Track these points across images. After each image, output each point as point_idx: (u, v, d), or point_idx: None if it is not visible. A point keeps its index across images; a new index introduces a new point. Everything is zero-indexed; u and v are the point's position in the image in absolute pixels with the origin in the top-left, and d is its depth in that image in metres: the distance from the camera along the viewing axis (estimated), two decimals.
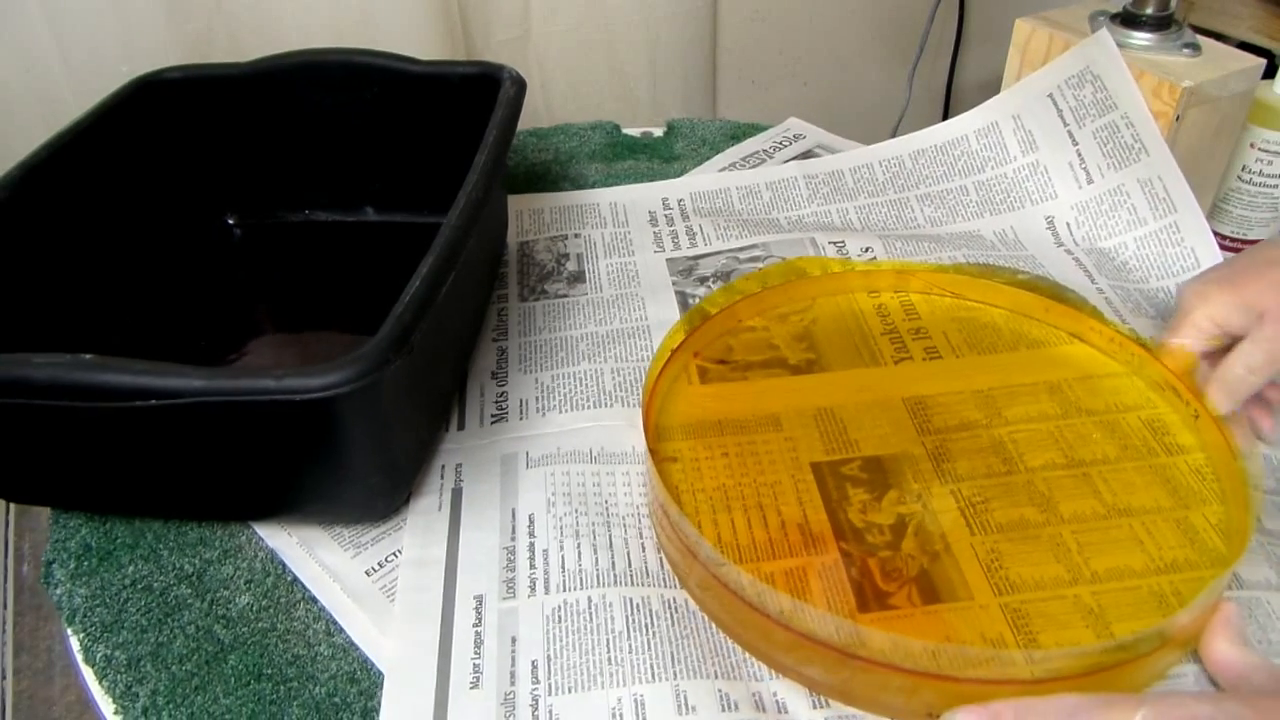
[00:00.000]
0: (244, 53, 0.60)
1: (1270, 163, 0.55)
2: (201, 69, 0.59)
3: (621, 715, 0.37)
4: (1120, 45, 0.62)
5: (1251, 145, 0.55)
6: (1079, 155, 0.63)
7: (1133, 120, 0.60)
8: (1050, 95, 0.64)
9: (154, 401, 0.36)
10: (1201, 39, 0.61)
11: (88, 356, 0.37)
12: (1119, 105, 0.61)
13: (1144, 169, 0.60)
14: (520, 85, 0.56)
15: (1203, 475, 0.45)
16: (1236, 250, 0.58)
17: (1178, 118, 0.59)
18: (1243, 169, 0.56)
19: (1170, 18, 0.61)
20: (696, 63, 0.90)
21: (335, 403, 0.36)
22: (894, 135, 0.70)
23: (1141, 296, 0.56)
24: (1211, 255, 0.56)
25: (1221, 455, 0.45)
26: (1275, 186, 0.56)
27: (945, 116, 0.73)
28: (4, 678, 0.42)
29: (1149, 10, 0.61)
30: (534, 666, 0.39)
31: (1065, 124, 0.63)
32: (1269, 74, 0.61)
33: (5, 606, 0.45)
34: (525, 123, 0.64)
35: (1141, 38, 0.61)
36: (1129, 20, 0.62)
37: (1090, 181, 0.62)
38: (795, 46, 1.00)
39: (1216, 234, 0.57)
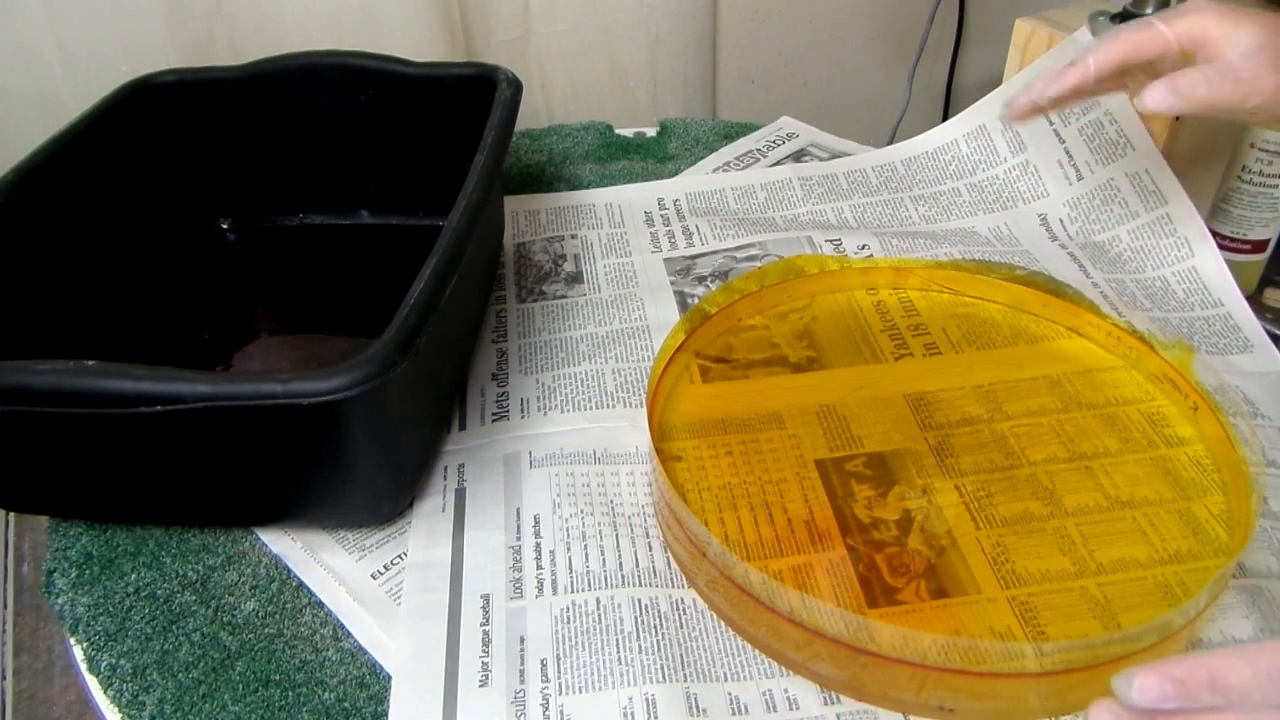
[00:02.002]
0: (244, 53, 0.60)
1: (1270, 163, 0.55)
2: (195, 72, 0.58)
3: (633, 715, 0.37)
4: None
5: (1251, 145, 0.56)
6: (1067, 153, 0.63)
7: (1116, 116, 0.61)
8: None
9: (159, 407, 0.36)
10: None
11: (90, 363, 0.36)
12: (1101, 102, 0.62)
13: (1130, 163, 0.60)
14: (516, 87, 0.56)
15: (1203, 466, 0.46)
16: (1237, 250, 0.59)
17: (1177, 118, 0.59)
18: (1243, 169, 0.56)
19: None
20: (696, 63, 0.90)
21: (341, 406, 0.36)
22: (894, 135, 0.71)
23: (1137, 288, 0.57)
24: (1204, 243, 0.57)
25: (1221, 446, 0.46)
26: (1275, 186, 0.56)
27: (945, 117, 0.74)
28: (4, 678, 0.42)
29: (1149, 10, 0.61)
30: (543, 665, 0.39)
31: (1050, 123, 0.64)
32: None
33: (5, 606, 0.44)
34: (525, 123, 0.64)
35: None
36: (1128, 20, 0.62)
37: (1080, 178, 0.63)
38: (795, 46, 1.01)
39: (1216, 234, 0.58)
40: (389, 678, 0.39)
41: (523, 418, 0.50)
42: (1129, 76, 0.47)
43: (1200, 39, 0.43)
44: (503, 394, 0.52)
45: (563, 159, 0.74)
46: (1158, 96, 0.42)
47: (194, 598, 0.43)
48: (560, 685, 0.38)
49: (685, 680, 0.38)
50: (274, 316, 0.59)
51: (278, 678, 0.39)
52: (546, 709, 0.37)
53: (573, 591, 0.41)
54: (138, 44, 0.67)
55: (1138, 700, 0.29)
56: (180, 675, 0.39)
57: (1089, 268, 0.59)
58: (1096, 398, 0.49)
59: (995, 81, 0.68)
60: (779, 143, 0.74)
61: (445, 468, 0.48)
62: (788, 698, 0.38)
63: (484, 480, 0.47)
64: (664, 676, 0.38)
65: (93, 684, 0.40)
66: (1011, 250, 0.60)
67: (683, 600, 0.41)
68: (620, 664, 0.38)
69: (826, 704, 0.37)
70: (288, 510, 0.44)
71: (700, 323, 0.53)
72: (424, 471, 0.47)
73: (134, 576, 0.43)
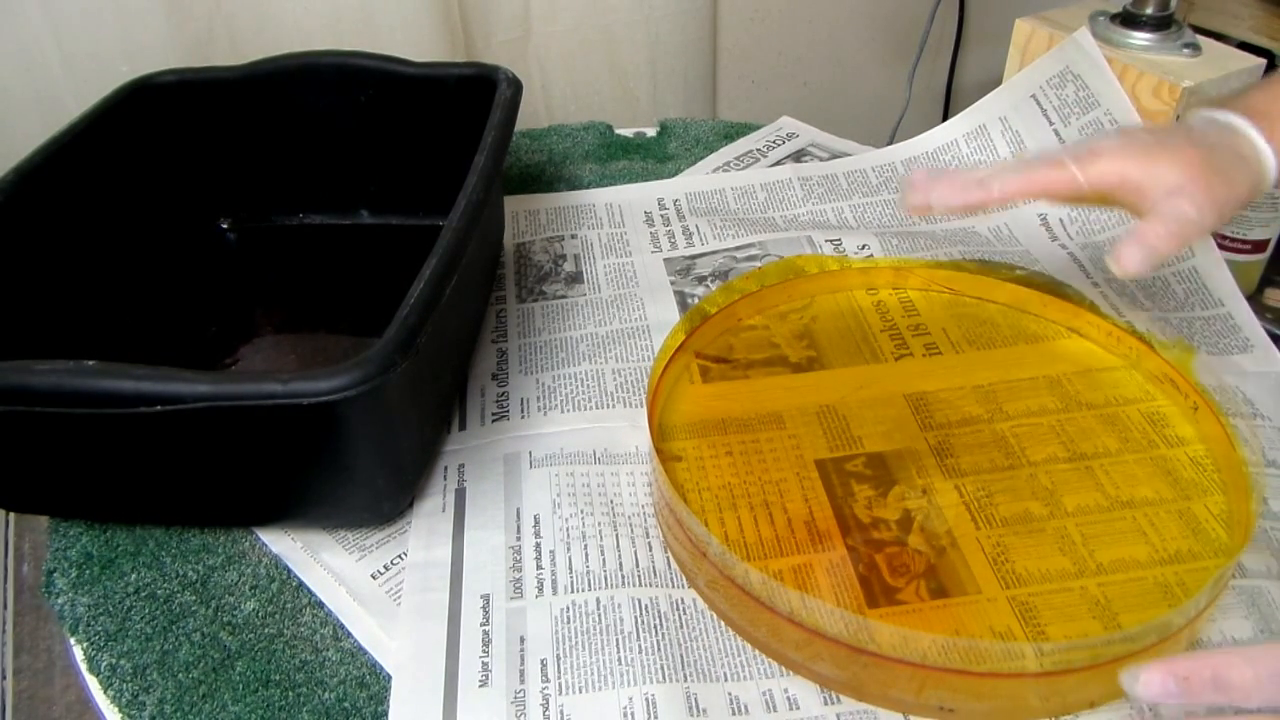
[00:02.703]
0: (244, 53, 0.60)
1: None
2: (195, 72, 0.58)
3: (633, 715, 0.37)
4: (1120, 45, 0.62)
5: None
6: None
7: (1116, 116, 0.61)
8: (1033, 96, 0.65)
9: (159, 407, 0.36)
10: (1201, 39, 0.62)
11: (90, 363, 0.36)
12: (1101, 102, 0.61)
13: None
14: (516, 87, 0.56)
15: (1202, 466, 0.46)
16: (1237, 250, 0.59)
17: (1177, 117, 0.59)
18: None
19: (1170, 18, 0.61)
20: (696, 63, 0.90)
21: (342, 406, 0.36)
22: (894, 135, 0.71)
23: (1137, 288, 0.57)
24: (1204, 243, 0.57)
25: (1221, 446, 0.46)
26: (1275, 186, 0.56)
27: (945, 117, 0.74)
28: (4, 678, 0.42)
29: (1149, 10, 0.61)
30: (543, 665, 0.39)
31: (1051, 123, 0.64)
32: (1269, 74, 0.61)
33: (5, 606, 0.44)
34: (525, 123, 0.64)
35: (1141, 38, 0.62)
36: (1129, 20, 0.62)
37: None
38: (795, 46, 1.01)
39: (1216, 234, 0.58)
40: (389, 678, 0.39)
41: (523, 418, 0.50)
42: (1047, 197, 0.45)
43: (1119, 183, 0.41)
44: (503, 394, 0.52)
45: (563, 159, 0.74)
46: (1135, 261, 0.39)
47: (194, 598, 0.43)
48: (560, 685, 0.38)
49: (685, 680, 0.38)
50: (275, 316, 0.59)
51: (278, 678, 0.39)
52: (546, 709, 0.37)
53: (573, 591, 0.41)
54: (138, 44, 0.67)
55: (1142, 694, 0.30)
56: (180, 675, 0.39)
57: (1089, 268, 0.59)
58: (1096, 398, 0.49)
59: (995, 82, 0.68)
60: (779, 143, 0.74)
61: (445, 468, 0.48)
62: (788, 698, 0.38)
63: (484, 480, 0.47)
64: (664, 676, 0.38)
65: (93, 684, 0.40)
66: (1011, 250, 0.60)
67: (683, 600, 0.41)
68: (620, 664, 0.38)
69: (826, 704, 0.37)
70: (288, 510, 0.44)
71: (700, 323, 0.53)
72: (424, 471, 0.47)
73: (134, 576, 0.43)
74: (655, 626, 0.40)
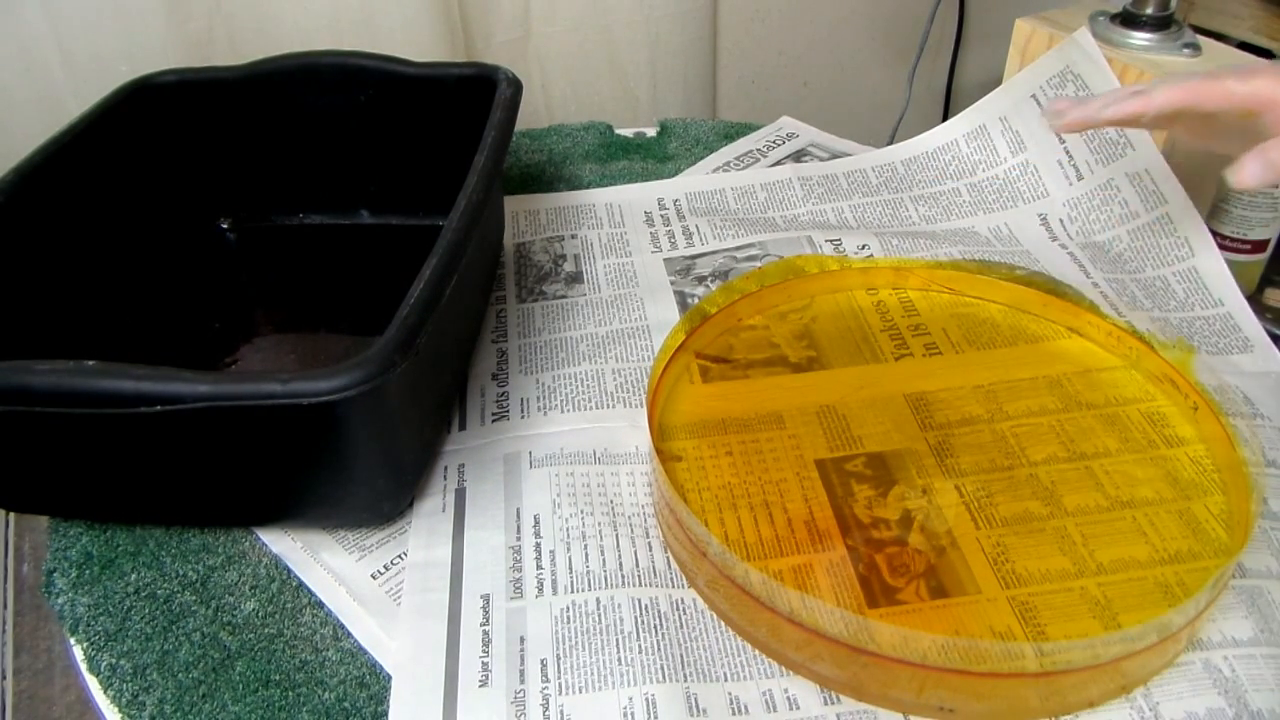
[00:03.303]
0: (244, 53, 0.60)
1: None
2: (195, 72, 0.58)
3: (633, 715, 0.37)
4: (1120, 45, 0.62)
5: None
6: (1067, 153, 0.63)
7: None
8: (1033, 96, 0.65)
9: (159, 408, 0.36)
10: (1201, 39, 0.62)
11: (90, 363, 0.37)
12: None
13: (1131, 163, 0.60)
14: (516, 86, 0.56)
15: (1203, 466, 0.46)
16: (1237, 250, 0.59)
17: None
18: None
19: (1170, 18, 0.61)
20: (696, 63, 0.90)
21: (342, 406, 0.36)
22: (894, 135, 0.71)
23: (1138, 287, 0.57)
24: (1204, 243, 0.57)
25: (1221, 446, 0.46)
26: (1275, 186, 0.56)
27: (945, 117, 0.74)
28: (4, 678, 0.42)
29: (1149, 10, 0.61)
30: (543, 665, 0.39)
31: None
32: None
33: (5, 606, 0.44)
34: (525, 123, 0.64)
35: (1141, 38, 0.62)
36: (1129, 20, 0.62)
37: (1080, 178, 0.63)
38: (795, 46, 1.01)
39: (1216, 234, 0.58)
40: (389, 678, 0.39)
41: (523, 418, 0.50)
42: (1179, 120, 0.47)
43: (1271, 101, 0.42)
44: (503, 394, 0.52)
45: (563, 159, 0.74)
46: (1255, 172, 0.41)
47: (194, 598, 0.43)
48: (560, 685, 0.38)
49: (685, 680, 0.38)
50: (275, 316, 0.59)
51: (278, 678, 0.39)
52: (546, 709, 0.37)
53: (573, 591, 0.41)
54: (138, 44, 0.67)
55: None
56: (180, 675, 0.39)
57: (1089, 268, 0.59)
58: (1096, 398, 0.49)
59: (995, 82, 0.68)
60: (779, 143, 0.74)
61: (445, 468, 0.48)
62: (788, 698, 0.38)
63: (484, 480, 0.47)
64: (664, 676, 0.38)
65: (93, 684, 0.40)
66: (1011, 250, 0.60)
67: (683, 600, 0.41)
68: (620, 664, 0.38)
69: (826, 704, 0.37)
70: (288, 510, 0.45)
71: (700, 323, 0.53)
72: (424, 471, 0.47)
73: (134, 576, 0.43)
74: (655, 626, 0.40)
